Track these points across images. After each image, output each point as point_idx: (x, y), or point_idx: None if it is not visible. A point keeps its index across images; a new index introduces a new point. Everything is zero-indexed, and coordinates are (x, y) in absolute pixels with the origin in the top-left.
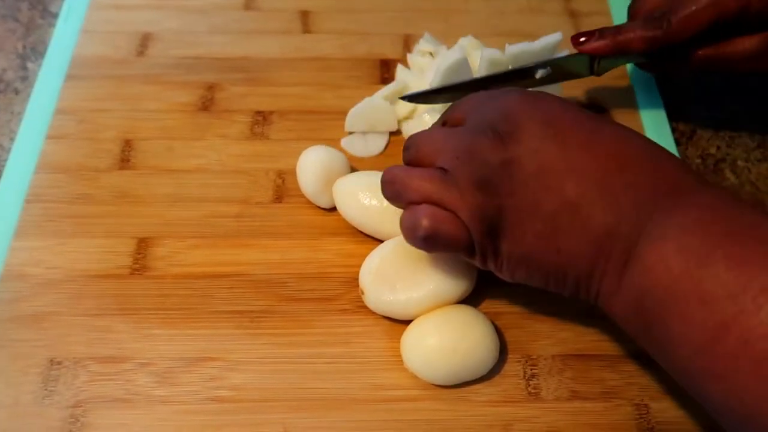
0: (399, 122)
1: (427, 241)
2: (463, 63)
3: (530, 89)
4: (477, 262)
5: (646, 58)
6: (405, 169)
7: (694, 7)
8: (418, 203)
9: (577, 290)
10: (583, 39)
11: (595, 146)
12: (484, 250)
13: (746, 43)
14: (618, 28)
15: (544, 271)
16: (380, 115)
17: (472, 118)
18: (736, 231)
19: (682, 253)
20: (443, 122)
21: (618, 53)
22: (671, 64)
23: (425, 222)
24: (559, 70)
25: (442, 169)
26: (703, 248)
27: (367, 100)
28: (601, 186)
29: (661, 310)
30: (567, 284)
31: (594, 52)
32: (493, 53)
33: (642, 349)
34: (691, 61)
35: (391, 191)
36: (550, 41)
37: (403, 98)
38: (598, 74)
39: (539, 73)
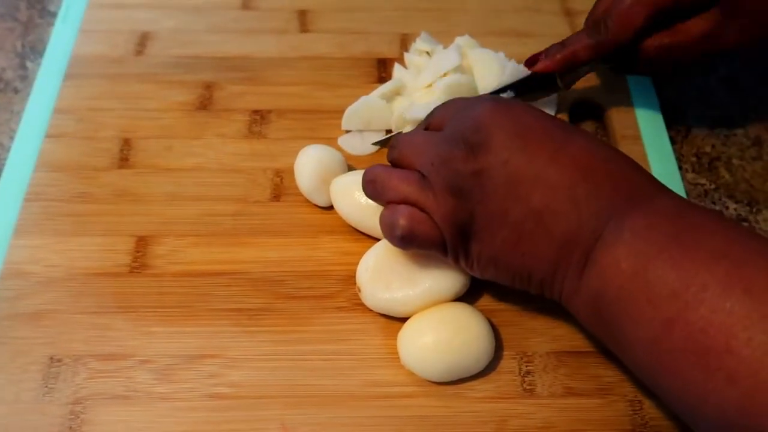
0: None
1: (403, 239)
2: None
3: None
4: (449, 260)
5: (605, 63)
6: (386, 169)
7: (626, 6)
8: (397, 203)
9: (542, 290)
10: (533, 61)
11: (562, 157)
12: (456, 250)
13: (694, 27)
14: (563, 43)
15: (511, 272)
16: (376, 113)
17: (448, 125)
18: (681, 234)
19: (632, 256)
20: (426, 125)
21: (570, 66)
22: (627, 62)
23: (402, 221)
24: (526, 90)
25: (420, 172)
26: (651, 251)
27: (363, 98)
28: (565, 196)
29: (614, 310)
30: (532, 284)
31: (546, 70)
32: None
33: None
34: (645, 56)
35: (372, 190)
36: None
37: (375, 144)
38: (566, 88)
39: (504, 96)
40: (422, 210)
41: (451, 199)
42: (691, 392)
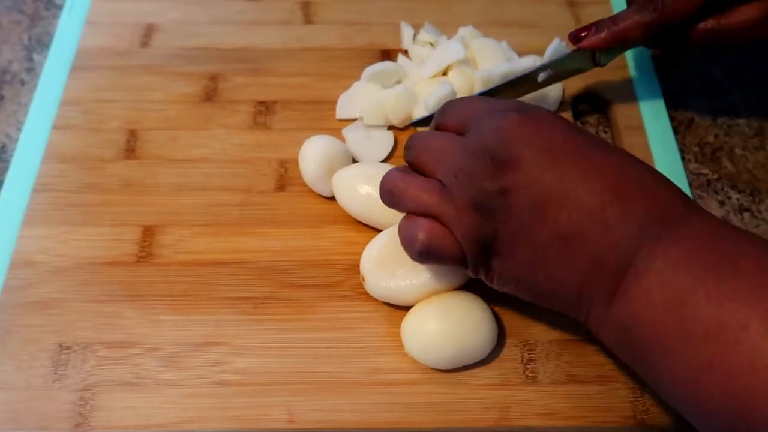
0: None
1: (422, 254)
2: (451, 95)
3: (530, 100)
4: (468, 273)
5: (648, 42)
6: (403, 178)
7: None
8: (416, 213)
9: (566, 311)
10: (581, 35)
11: (593, 176)
12: (476, 265)
13: (747, 12)
14: (614, 19)
15: (534, 292)
16: (371, 99)
17: (470, 133)
18: (718, 265)
19: (665, 289)
20: (438, 123)
21: (617, 43)
22: (674, 43)
23: (422, 236)
24: (561, 69)
25: (440, 182)
26: (686, 284)
27: (356, 84)
28: (595, 218)
29: (646, 344)
30: (555, 305)
31: (593, 47)
32: (488, 72)
33: None
34: (693, 38)
35: (389, 200)
36: (553, 49)
37: (410, 125)
38: (602, 65)
39: (541, 77)
40: (442, 222)
41: (473, 215)
42: (728, 428)
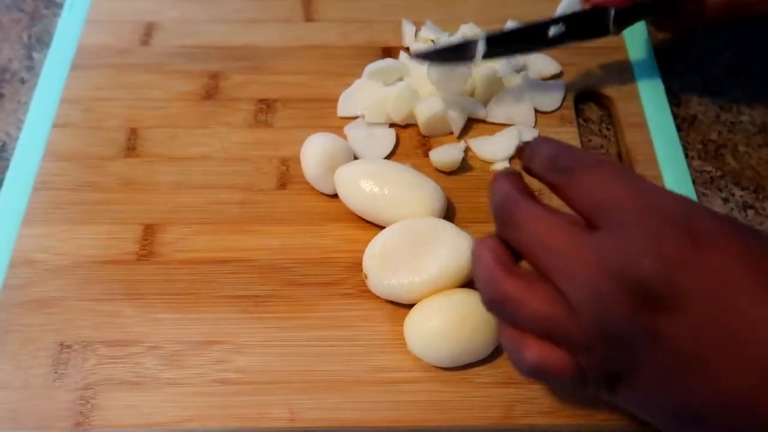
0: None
1: (530, 375)
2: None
3: (533, 95)
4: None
5: (663, 8)
6: (515, 286)
7: None
8: (531, 331)
9: None
10: None
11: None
12: (598, 388)
13: None
14: None
15: (667, 429)
16: (372, 96)
17: (608, 235)
18: None
19: None
20: (552, 183)
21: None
22: (689, 14)
23: (530, 358)
24: (572, 28)
25: (560, 293)
26: None
27: (357, 81)
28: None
29: None
30: None
31: (606, 2)
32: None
33: None
34: (710, 7)
35: (499, 312)
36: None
37: (414, 55)
38: (613, 34)
39: (552, 31)
40: (559, 339)
41: (605, 347)
42: None
